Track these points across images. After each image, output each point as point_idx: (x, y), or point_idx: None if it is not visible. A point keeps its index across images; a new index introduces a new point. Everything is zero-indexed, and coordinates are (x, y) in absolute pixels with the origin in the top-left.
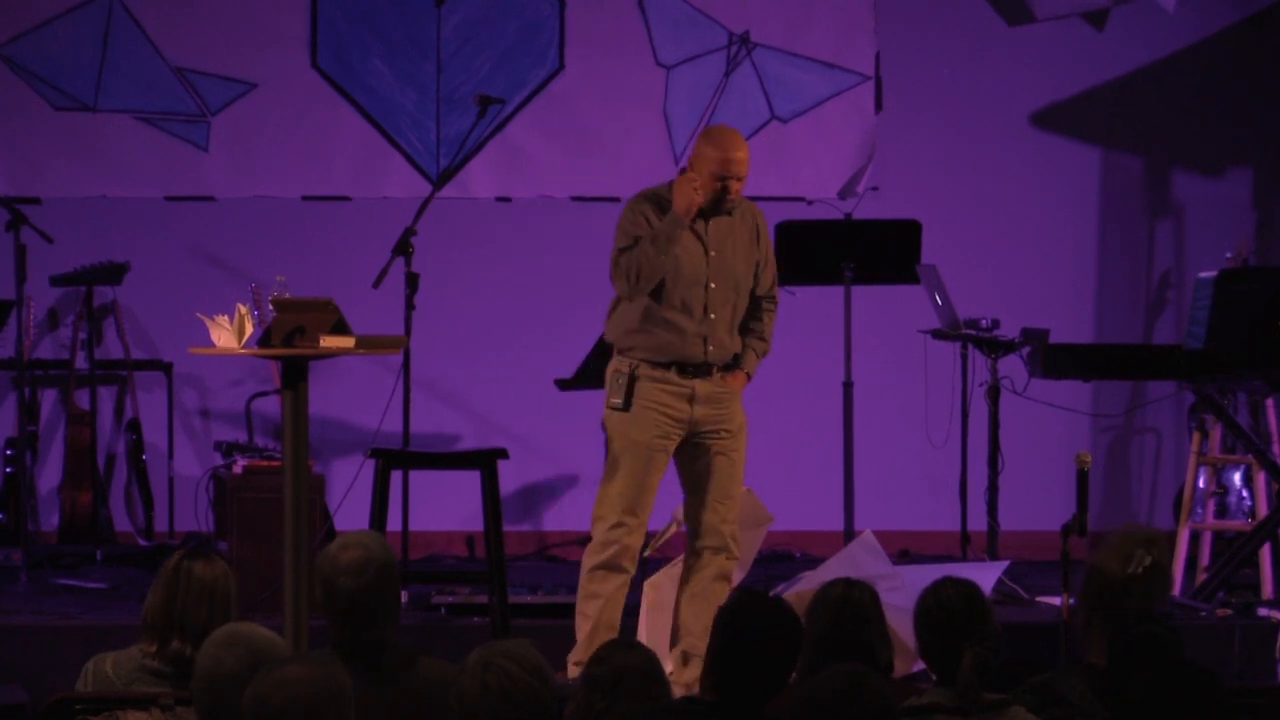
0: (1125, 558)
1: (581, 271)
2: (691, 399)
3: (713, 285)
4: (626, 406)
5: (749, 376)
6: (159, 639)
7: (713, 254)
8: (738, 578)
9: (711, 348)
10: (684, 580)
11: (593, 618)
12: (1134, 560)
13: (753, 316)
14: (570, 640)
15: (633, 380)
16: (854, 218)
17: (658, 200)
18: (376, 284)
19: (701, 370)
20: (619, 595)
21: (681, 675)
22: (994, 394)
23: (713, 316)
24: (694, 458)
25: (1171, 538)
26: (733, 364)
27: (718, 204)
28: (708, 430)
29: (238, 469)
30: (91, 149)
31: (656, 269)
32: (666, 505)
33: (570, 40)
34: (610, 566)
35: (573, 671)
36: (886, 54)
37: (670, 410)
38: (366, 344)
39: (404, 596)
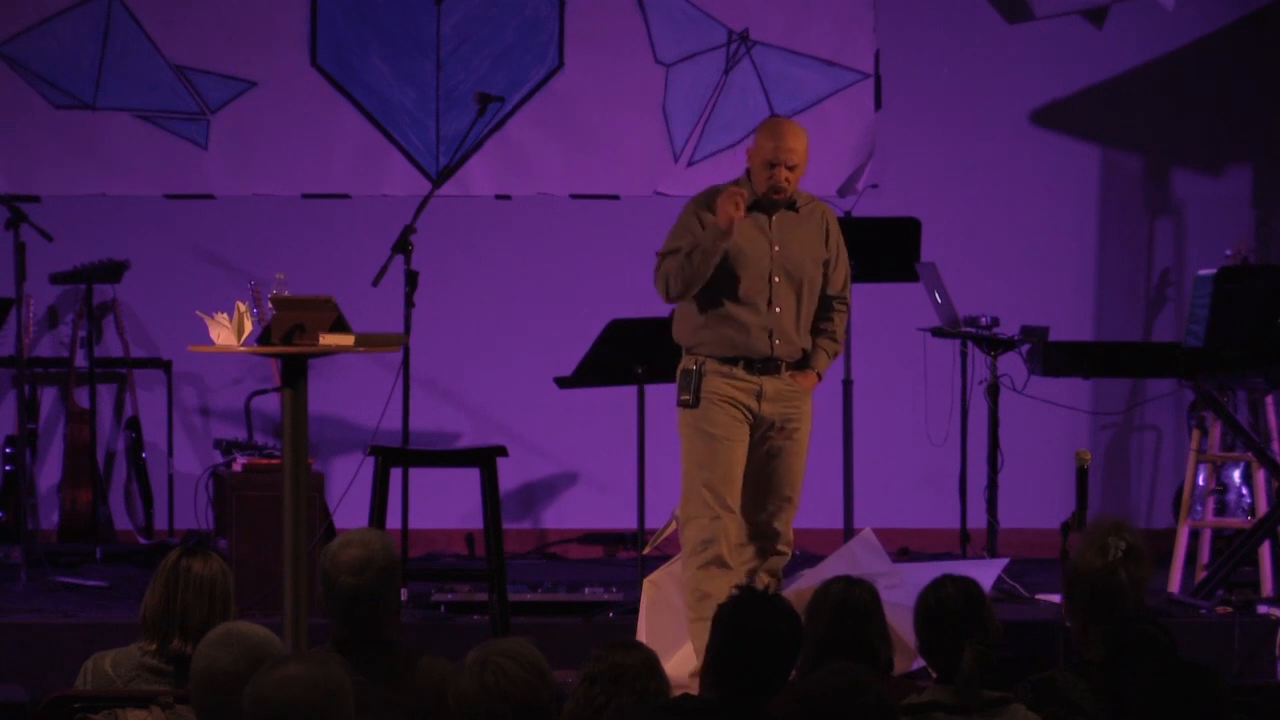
0: (1102, 549)
1: (581, 269)
2: (760, 396)
3: (777, 279)
4: (695, 403)
5: (819, 376)
6: (159, 637)
7: (777, 248)
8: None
9: (778, 341)
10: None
11: (710, 620)
12: (1110, 548)
13: (824, 316)
14: (570, 639)
15: (700, 376)
16: (853, 215)
17: (716, 199)
18: (376, 282)
19: (770, 366)
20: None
21: None
22: (993, 392)
23: (778, 310)
24: (767, 457)
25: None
26: (803, 362)
27: (772, 193)
28: (779, 427)
29: (237, 467)
30: (91, 147)
31: (693, 280)
32: (666, 504)
33: (570, 38)
34: (717, 563)
35: (692, 684)
36: (886, 52)
37: (740, 405)
38: (366, 342)
39: (404, 594)
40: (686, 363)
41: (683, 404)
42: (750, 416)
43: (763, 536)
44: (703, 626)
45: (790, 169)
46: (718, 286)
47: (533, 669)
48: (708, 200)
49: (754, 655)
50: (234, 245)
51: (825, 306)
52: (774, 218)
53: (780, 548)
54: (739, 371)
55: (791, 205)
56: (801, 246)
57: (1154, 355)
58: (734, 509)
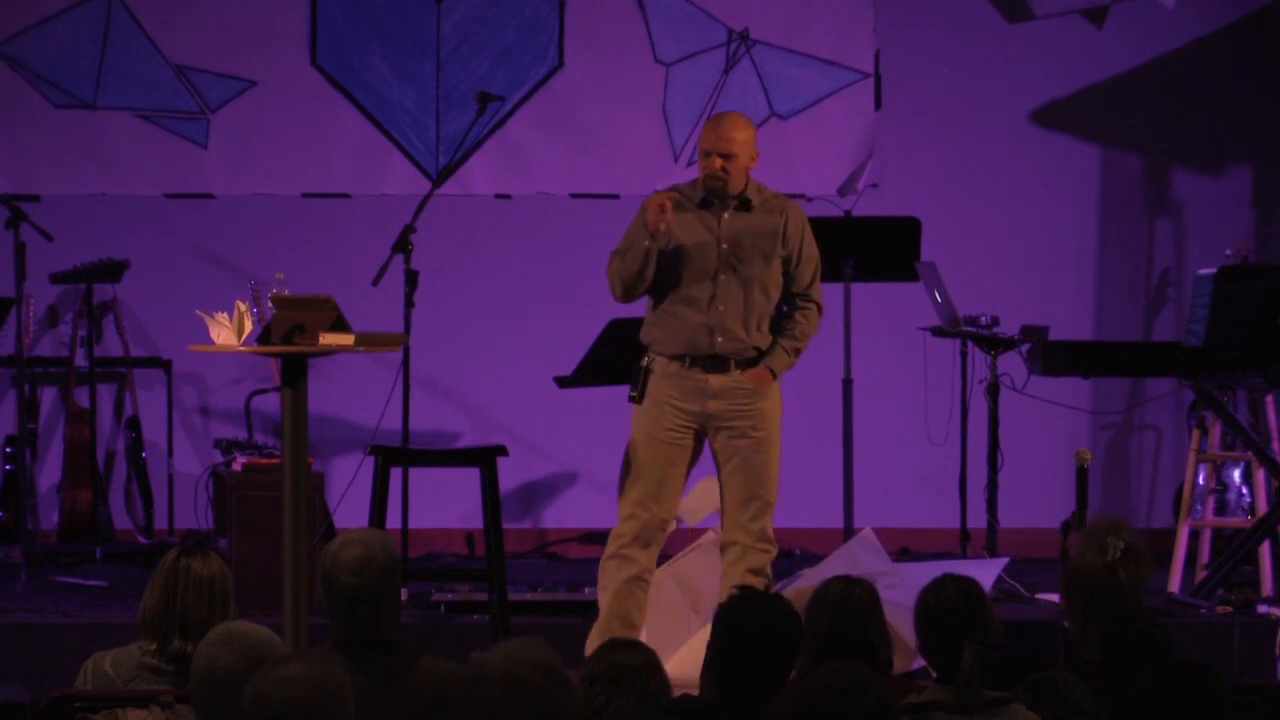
0: (1100, 548)
1: (581, 268)
2: (707, 393)
3: (722, 276)
4: (640, 399)
5: (774, 375)
6: (158, 637)
7: (724, 245)
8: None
9: (720, 339)
10: (724, 576)
11: (603, 608)
12: (1110, 548)
13: (786, 315)
14: (570, 639)
15: (648, 374)
16: (853, 215)
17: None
18: (376, 281)
19: (716, 364)
20: (631, 588)
21: None
22: (993, 391)
23: (721, 308)
24: (725, 456)
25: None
26: (759, 360)
27: (709, 182)
28: (728, 426)
29: (237, 466)
30: (91, 146)
31: (629, 282)
32: None
33: (569, 38)
34: (618, 556)
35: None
36: (886, 51)
37: (681, 403)
38: (366, 341)
39: (404, 594)
40: (642, 358)
41: (631, 399)
42: (696, 416)
43: (741, 537)
44: (599, 612)
45: (725, 158)
46: (666, 284)
47: (555, 678)
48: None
49: (754, 655)
50: (234, 245)
51: (789, 305)
52: (725, 215)
53: (760, 545)
54: (685, 369)
55: (745, 203)
56: (754, 244)
57: (1154, 355)
58: (660, 511)
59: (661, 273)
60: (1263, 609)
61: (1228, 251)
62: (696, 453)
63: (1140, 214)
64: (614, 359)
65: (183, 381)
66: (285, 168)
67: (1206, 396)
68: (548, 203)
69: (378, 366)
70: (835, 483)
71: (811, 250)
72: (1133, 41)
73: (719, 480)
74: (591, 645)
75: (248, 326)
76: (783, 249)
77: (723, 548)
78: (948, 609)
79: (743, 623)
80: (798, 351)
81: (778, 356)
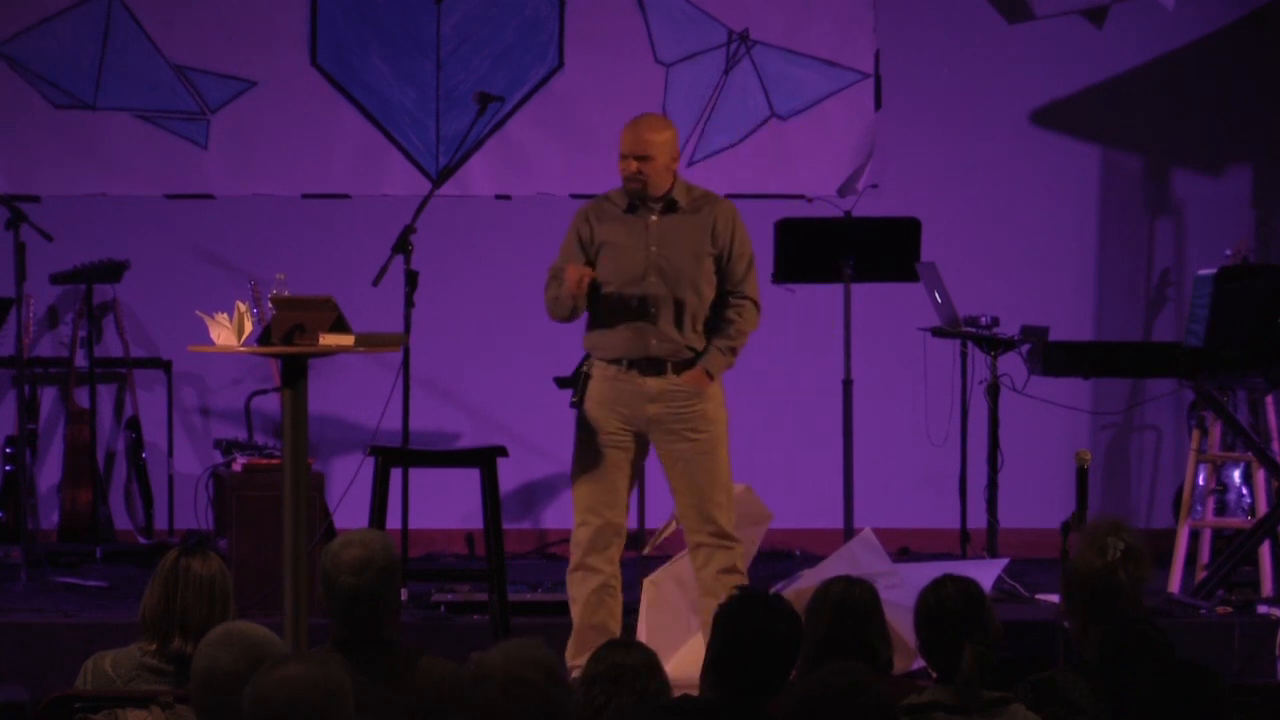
0: (1101, 549)
1: None
2: (645, 397)
3: (652, 279)
4: (579, 405)
5: (710, 375)
6: (158, 637)
7: (654, 248)
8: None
9: (654, 341)
10: (697, 581)
11: (575, 621)
12: (1109, 549)
13: (720, 313)
14: (570, 638)
15: (587, 379)
16: (853, 215)
17: (599, 210)
18: (376, 282)
19: (652, 367)
20: (599, 597)
21: None
22: (993, 392)
23: (654, 310)
24: (669, 460)
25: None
26: (694, 361)
27: (627, 185)
28: (670, 429)
29: (237, 467)
30: (91, 147)
31: (561, 316)
32: (666, 504)
33: (570, 38)
34: (582, 568)
35: (573, 673)
36: (886, 52)
37: (620, 408)
38: (366, 342)
39: (404, 594)
40: (582, 365)
41: (572, 406)
42: (636, 420)
43: (702, 539)
44: (573, 625)
45: (641, 160)
46: (600, 292)
47: (555, 678)
48: (588, 215)
49: (754, 655)
50: (234, 245)
51: (722, 303)
52: (654, 218)
53: (722, 543)
54: (623, 373)
55: (671, 204)
56: (682, 244)
57: (1154, 355)
58: (610, 516)
59: (595, 281)
60: (1263, 609)
61: (1228, 251)
62: (641, 454)
63: (1140, 214)
64: None
65: (183, 382)
66: (285, 168)
67: (1206, 396)
68: (548, 203)
69: (378, 366)
70: (835, 483)
71: (744, 247)
72: (1133, 41)
73: (670, 484)
74: (571, 656)
75: (248, 327)
76: (713, 247)
77: (693, 547)
78: (948, 609)
79: (743, 623)
80: (734, 350)
81: (713, 357)
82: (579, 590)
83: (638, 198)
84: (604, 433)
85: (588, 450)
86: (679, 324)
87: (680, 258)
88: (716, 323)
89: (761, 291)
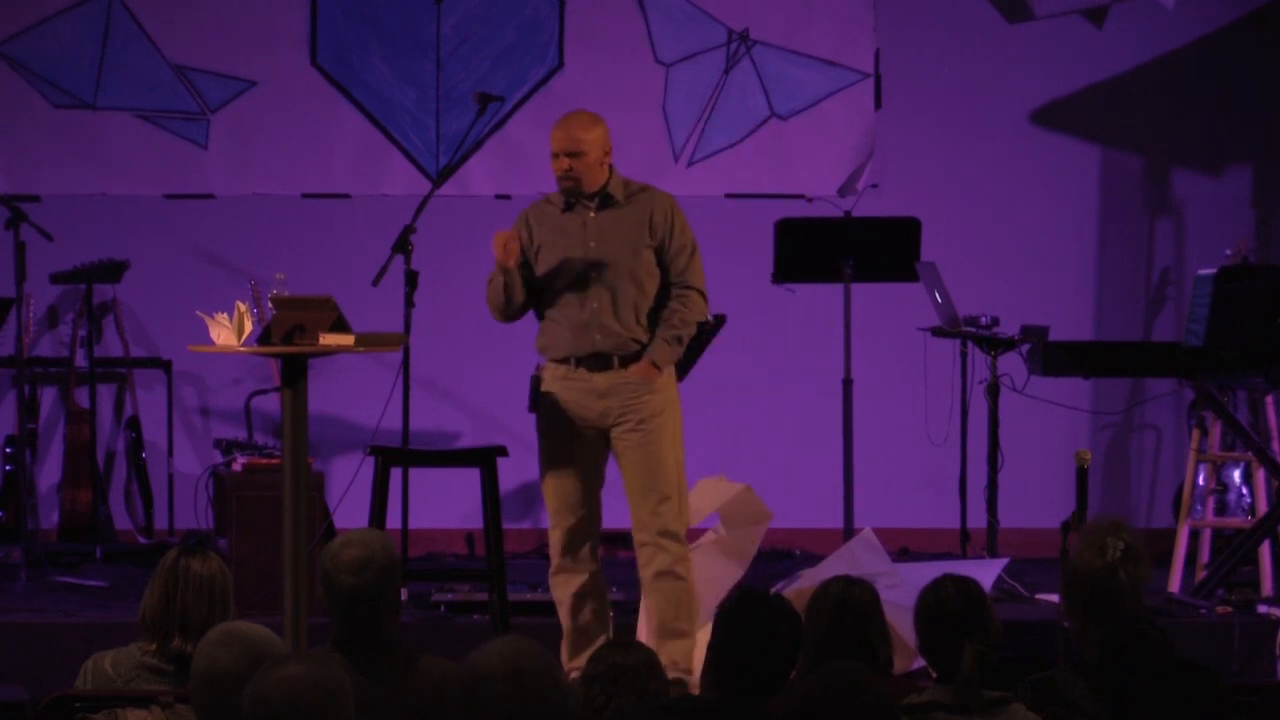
0: (1100, 549)
1: None
2: (595, 393)
3: (591, 275)
4: (533, 409)
5: (657, 367)
6: (158, 637)
7: (592, 244)
8: (735, 576)
9: (598, 336)
10: (640, 578)
11: (564, 623)
12: (1109, 549)
13: (664, 305)
14: None
15: (539, 381)
16: (854, 215)
17: (538, 212)
18: (376, 282)
19: (599, 362)
20: (582, 603)
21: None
22: (993, 391)
23: (595, 305)
24: (619, 453)
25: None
26: (641, 354)
27: (561, 182)
28: (618, 423)
29: (237, 467)
30: (91, 147)
31: (498, 306)
32: None
33: (570, 38)
34: (562, 571)
35: (571, 675)
36: (886, 51)
37: (573, 407)
38: (366, 341)
39: (404, 594)
40: (535, 369)
41: (530, 411)
42: (590, 417)
43: (644, 535)
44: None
45: (573, 156)
46: (544, 293)
47: (555, 674)
48: (527, 218)
49: (754, 655)
50: (234, 245)
51: (667, 294)
52: (592, 214)
53: (662, 543)
54: (571, 371)
55: (608, 199)
56: (620, 238)
57: (1154, 355)
58: (584, 514)
59: (538, 283)
60: (1263, 609)
61: (1228, 251)
62: (603, 450)
63: (1140, 214)
64: None
65: (183, 381)
66: (285, 168)
67: (1206, 396)
68: None
69: (378, 366)
70: (835, 483)
71: (684, 238)
72: (1133, 41)
73: (622, 479)
74: (566, 660)
75: (248, 327)
76: (651, 239)
77: (637, 545)
78: (948, 609)
79: (743, 623)
80: (679, 340)
81: (658, 348)
82: (563, 592)
83: (573, 195)
84: (561, 433)
85: (548, 453)
86: (621, 318)
87: (618, 252)
88: (662, 313)
89: (760, 291)
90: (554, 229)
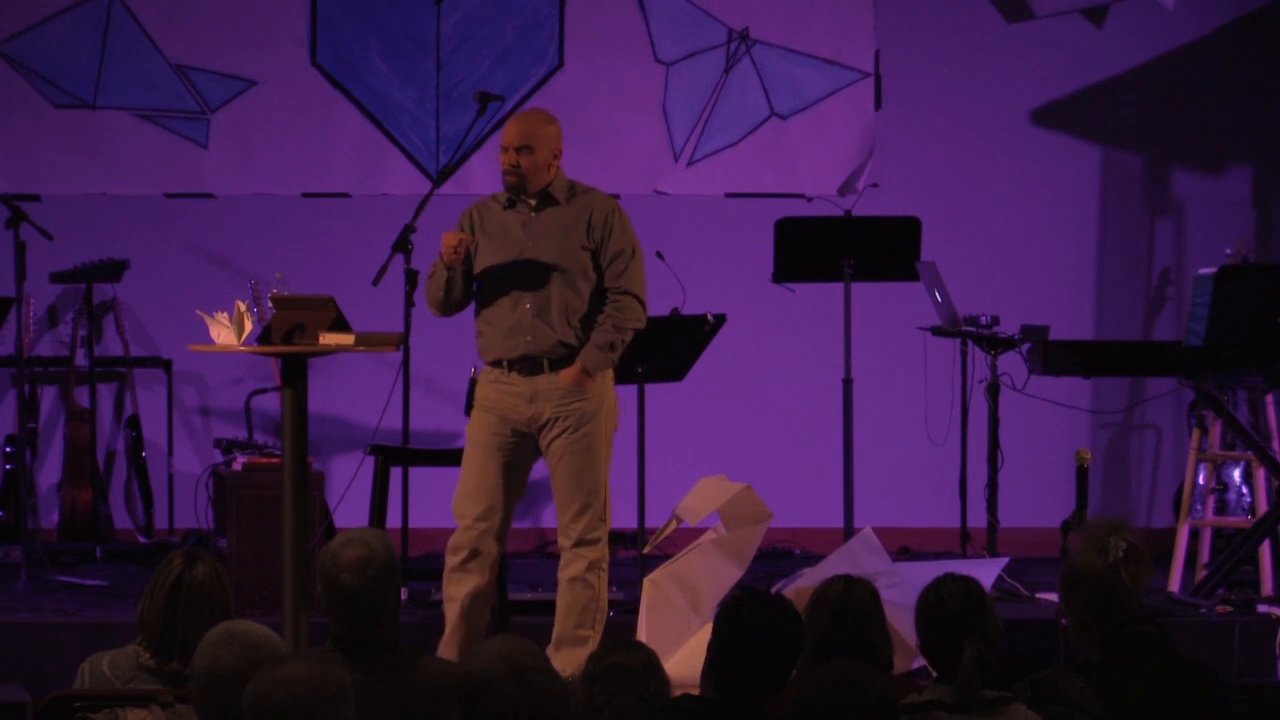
0: (1102, 549)
1: None
2: (523, 397)
3: (525, 275)
4: (467, 410)
5: (588, 372)
6: (157, 654)
7: (530, 243)
8: (735, 575)
9: (529, 339)
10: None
11: (449, 621)
12: (1111, 548)
13: (600, 310)
14: None
15: (474, 384)
16: (854, 214)
17: (481, 210)
18: (376, 281)
19: (530, 365)
20: (482, 599)
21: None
22: (994, 391)
23: (527, 307)
24: (548, 457)
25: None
26: (573, 358)
27: (506, 178)
28: (548, 427)
29: (237, 466)
30: (91, 146)
31: (435, 303)
32: (666, 503)
33: (570, 37)
34: (460, 569)
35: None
36: (886, 51)
37: (501, 409)
38: (366, 341)
39: (404, 594)
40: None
41: (466, 414)
42: (519, 420)
43: (563, 540)
44: (447, 623)
45: (520, 151)
46: (480, 293)
47: (555, 673)
48: (470, 215)
49: (754, 655)
50: (234, 244)
51: (603, 299)
52: (534, 214)
53: (579, 551)
54: (503, 374)
55: (548, 199)
56: (555, 239)
57: (1154, 354)
58: (494, 521)
59: (476, 282)
60: (1263, 609)
61: (1228, 251)
62: (528, 455)
63: (1140, 213)
64: None
65: (183, 381)
66: (285, 167)
67: (1206, 396)
68: None
69: (378, 366)
70: (835, 483)
71: (623, 241)
72: (1132, 41)
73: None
74: (443, 653)
75: (248, 326)
76: (588, 241)
77: (561, 547)
78: (948, 609)
79: (743, 622)
80: (613, 346)
81: (589, 353)
82: (457, 589)
83: (515, 191)
84: (489, 434)
85: (471, 452)
86: (552, 320)
87: (552, 252)
88: (597, 318)
89: (760, 291)
90: (494, 227)
